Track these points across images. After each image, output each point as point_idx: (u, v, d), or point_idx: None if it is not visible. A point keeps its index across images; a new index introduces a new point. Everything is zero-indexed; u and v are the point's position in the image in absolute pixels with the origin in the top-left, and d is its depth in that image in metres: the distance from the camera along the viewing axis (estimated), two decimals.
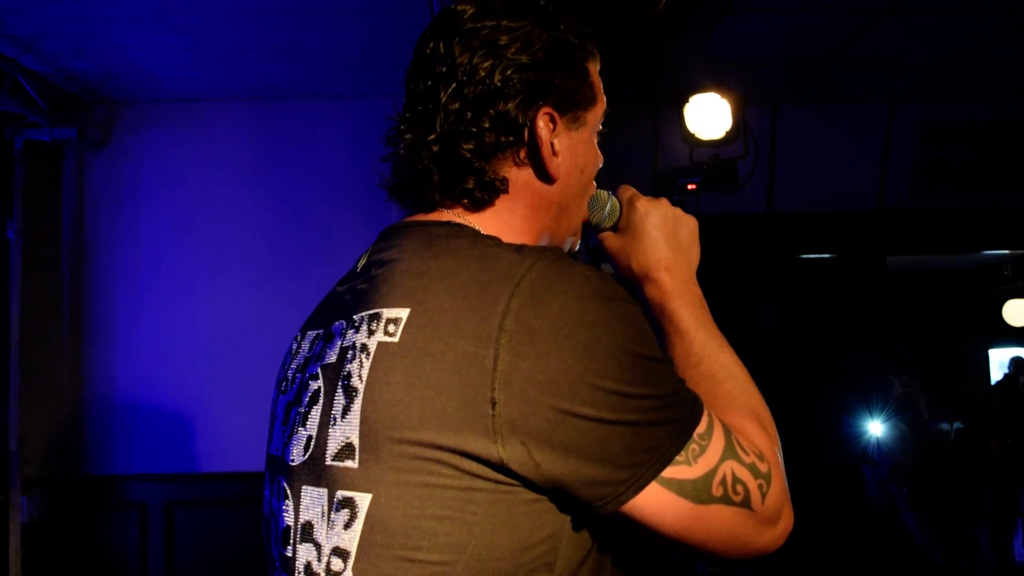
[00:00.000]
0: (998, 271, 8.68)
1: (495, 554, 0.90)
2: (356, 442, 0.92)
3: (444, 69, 1.05)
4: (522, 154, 1.08)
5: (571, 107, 1.10)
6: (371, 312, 0.96)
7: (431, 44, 1.08)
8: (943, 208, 5.41)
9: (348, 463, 0.93)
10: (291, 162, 4.55)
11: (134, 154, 4.56)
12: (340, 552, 0.93)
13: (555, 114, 1.08)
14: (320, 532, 0.95)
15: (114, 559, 4.39)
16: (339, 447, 0.94)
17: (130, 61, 4.03)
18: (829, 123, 5.14)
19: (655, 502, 0.92)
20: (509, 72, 1.04)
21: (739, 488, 0.96)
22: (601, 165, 1.21)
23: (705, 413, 0.96)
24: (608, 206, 1.25)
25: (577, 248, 1.26)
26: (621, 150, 4.68)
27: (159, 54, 3.98)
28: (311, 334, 1.13)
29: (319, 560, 0.95)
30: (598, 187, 1.25)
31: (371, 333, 0.95)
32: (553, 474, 0.88)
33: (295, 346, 1.17)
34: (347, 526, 0.93)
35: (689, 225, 1.24)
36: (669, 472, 0.92)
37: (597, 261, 1.33)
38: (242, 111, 4.57)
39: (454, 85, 1.04)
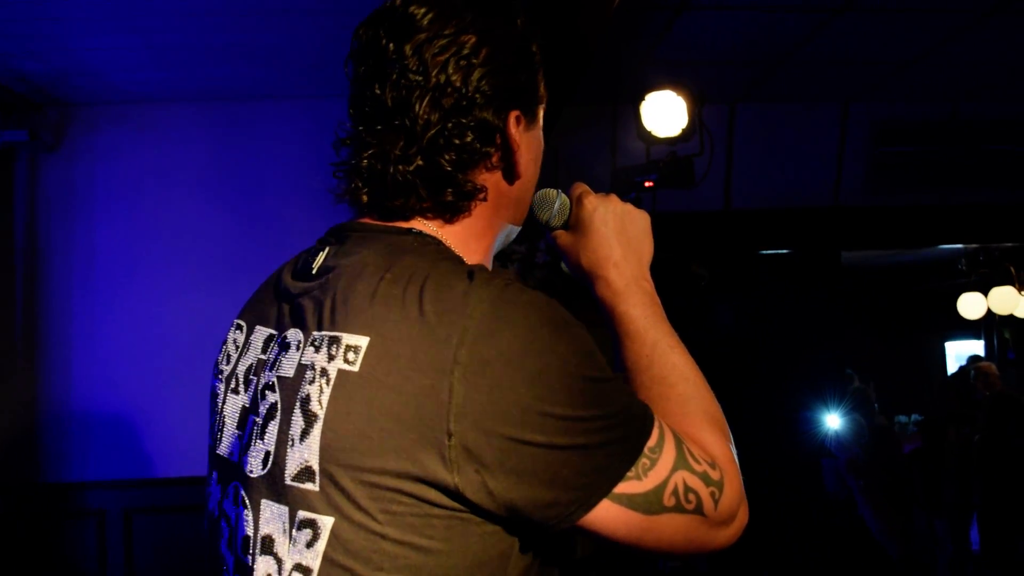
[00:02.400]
0: (952, 266, 8.84)
1: (450, 574, 0.93)
2: (316, 467, 0.94)
3: (416, 79, 1.02)
4: (495, 159, 1.08)
5: (532, 106, 1.12)
6: (331, 335, 0.96)
7: (391, 47, 1.03)
8: (896, 205, 5.50)
9: (308, 485, 0.95)
10: (249, 164, 4.52)
11: (88, 157, 4.49)
12: (303, 569, 0.95)
13: (521, 115, 1.09)
14: (281, 547, 0.97)
15: (72, 568, 4.32)
16: (298, 469, 0.95)
17: (82, 62, 3.97)
18: (785, 122, 5.20)
19: (605, 517, 0.95)
20: (483, 82, 1.03)
21: (691, 497, 0.98)
22: None
23: (656, 425, 0.98)
24: (557, 203, 1.25)
25: (514, 237, 1.25)
26: (579, 149, 4.70)
27: (112, 55, 3.92)
28: (262, 331, 1.11)
29: (279, 574, 0.97)
30: (551, 187, 1.26)
31: (331, 358, 0.95)
32: (506, 499, 0.91)
33: (240, 336, 1.16)
34: (309, 545, 0.95)
35: (640, 220, 1.25)
36: (620, 488, 0.94)
37: (557, 259, 1.35)
38: (199, 112, 4.53)
39: (429, 96, 1.02)
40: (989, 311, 8.63)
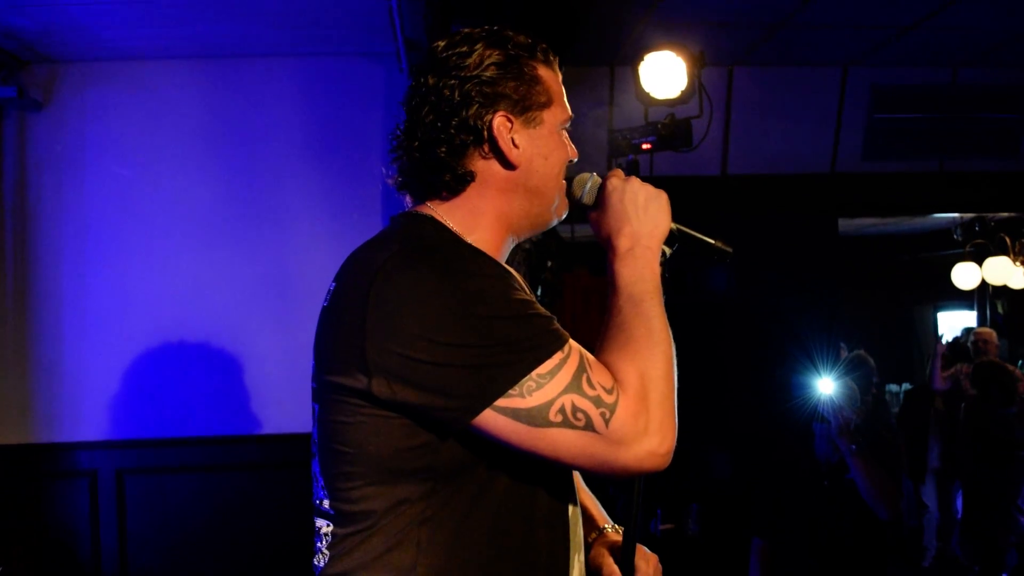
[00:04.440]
0: (947, 236, 8.83)
1: (383, 452, 1.29)
2: (314, 372, 1.39)
3: (424, 92, 1.40)
4: (486, 148, 1.40)
5: (525, 109, 1.40)
6: (330, 286, 1.39)
7: (418, 77, 1.42)
8: (894, 172, 5.47)
9: (314, 384, 1.40)
10: (240, 122, 4.45)
11: (78, 115, 4.42)
12: (314, 442, 1.41)
13: (510, 115, 1.39)
14: (314, 429, 1.41)
15: (65, 528, 4.32)
16: (312, 375, 1.40)
17: (71, 18, 3.90)
18: (784, 86, 5.15)
19: (493, 425, 1.23)
20: (467, 87, 1.37)
21: (580, 415, 1.23)
22: (574, 159, 1.51)
23: (555, 359, 1.24)
24: (588, 184, 1.52)
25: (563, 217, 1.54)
26: (577, 110, 4.63)
27: (102, 11, 3.85)
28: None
29: (312, 445, 1.42)
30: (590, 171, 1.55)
31: (325, 299, 1.38)
32: (406, 401, 1.24)
33: None
34: (314, 425, 1.40)
35: (656, 198, 1.47)
36: (503, 402, 1.22)
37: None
38: (190, 70, 4.45)
39: (428, 104, 1.39)
40: (983, 281, 8.64)
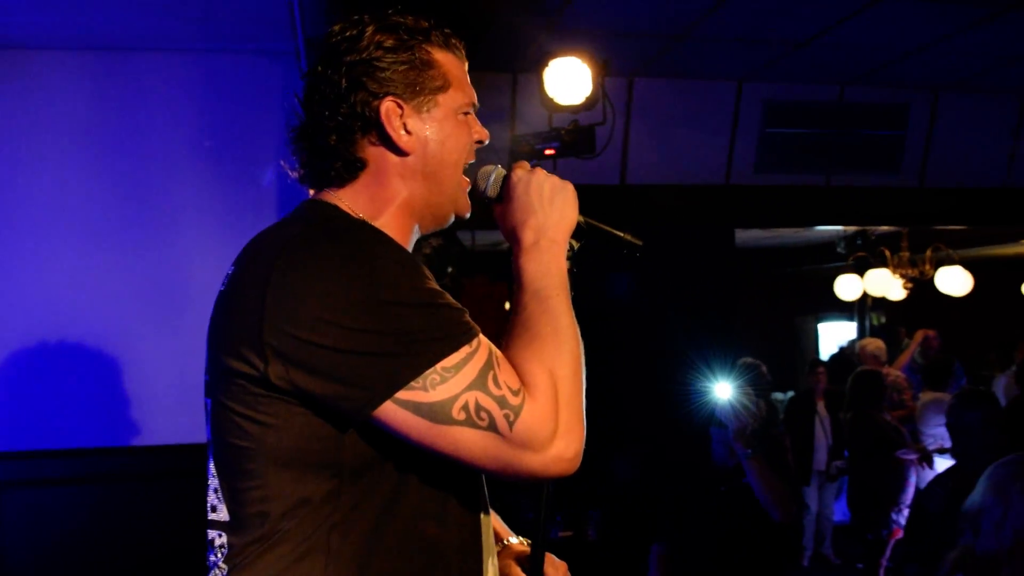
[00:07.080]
0: (831, 249, 9.21)
1: (283, 444, 1.21)
2: (207, 363, 1.31)
3: (314, 81, 1.37)
4: (374, 136, 1.36)
5: (416, 94, 1.36)
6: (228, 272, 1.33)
7: (314, 67, 1.39)
8: (784, 184, 5.66)
9: (207, 377, 1.32)
10: (130, 118, 4.25)
11: None
12: (209, 441, 1.32)
13: (400, 101, 1.35)
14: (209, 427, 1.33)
15: None
16: (205, 367, 1.33)
17: None
18: (682, 98, 5.27)
19: (394, 418, 1.17)
20: (355, 73, 1.33)
21: (483, 415, 1.17)
22: (482, 139, 1.47)
23: (461, 352, 1.18)
24: (492, 175, 1.48)
25: (467, 216, 1.49)
26: (479, 116, 4.61)
27: None
28: None
29: (208, 446, 1.33)
30: (495, 164, 1.51)
31: (223, 284, 1.32)
32: (304, 388, 1.18)
33: None
34: (208, 422, 1.32)
35: (562, 189, 1.44)
36: (404, 395, 1.16)
37: None
38: (78, 62, 4.22)
39: (319, 93, 1.36)
40: (863, 293, 9.05)
